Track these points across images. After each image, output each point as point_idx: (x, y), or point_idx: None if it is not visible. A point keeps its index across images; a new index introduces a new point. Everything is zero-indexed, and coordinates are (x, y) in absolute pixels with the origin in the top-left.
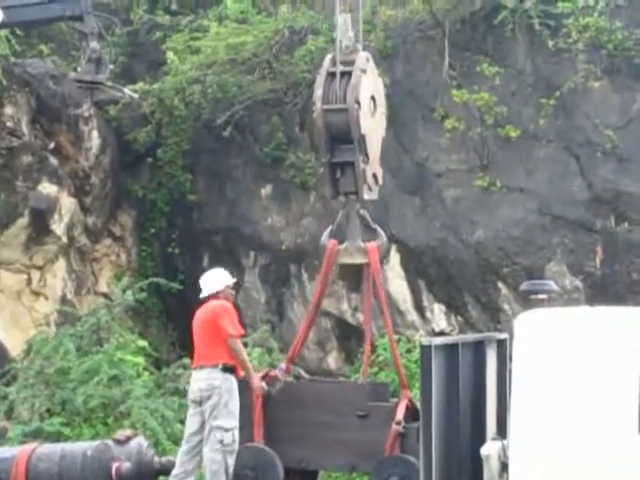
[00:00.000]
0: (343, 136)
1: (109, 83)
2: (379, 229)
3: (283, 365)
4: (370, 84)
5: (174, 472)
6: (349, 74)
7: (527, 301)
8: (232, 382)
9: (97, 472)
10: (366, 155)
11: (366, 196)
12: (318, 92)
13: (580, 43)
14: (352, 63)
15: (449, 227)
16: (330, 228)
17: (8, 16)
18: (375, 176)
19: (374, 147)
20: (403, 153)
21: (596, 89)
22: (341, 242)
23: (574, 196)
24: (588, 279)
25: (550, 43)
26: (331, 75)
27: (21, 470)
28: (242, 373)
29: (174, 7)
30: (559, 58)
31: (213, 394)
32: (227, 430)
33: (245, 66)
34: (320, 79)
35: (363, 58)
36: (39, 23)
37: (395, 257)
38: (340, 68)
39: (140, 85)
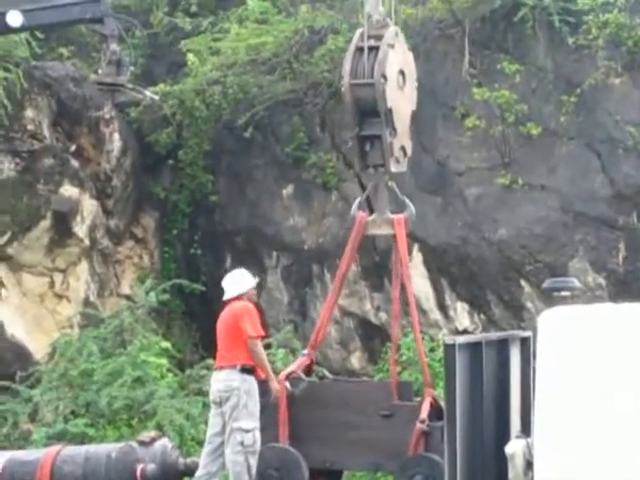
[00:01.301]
0: (371, 110)
1: (130, 85)
2: (407, 201)
3: (305, 351)
4: (399, 58)
5: (198, 474)
6: (377, 49)
7: (550, 298)
8: (251, 383)
9: (122, 474)
10: (394, 128)
11: (393, 169)
12: (346, 67)
13: (600, 39)
14: (380, 38)
15: (471, 225)
16: (359, 200)
17: (28, 19)
18: (403, 149)
19: (402, 120)
20: (424, 152)
21: (617, 85)
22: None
23: (596, 193)
24: (611, 276)
25: (570, 40)
26: (360, 50)
27: (46, 473)
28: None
29: (194, 9)
30: (579, 55)
31: (232, 395)
32: (247, 431)
33: (265, 66)
34: (349, 54)
35: (392, 32)
36: (59, 26)
37: (417, 256)
38: (368, 43)
39: (160, 87)
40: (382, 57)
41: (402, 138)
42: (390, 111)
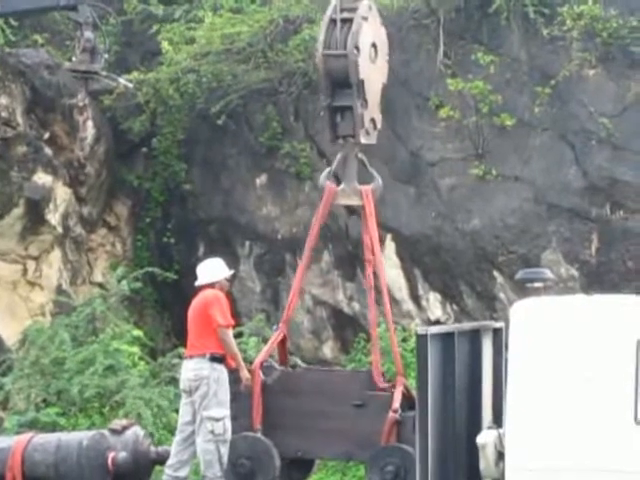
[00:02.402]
0: (343, 81)
1: (104, 73)
2: (375, 173)
3: (276, 326)
4: (372, 31)
5: (169, 462)
6: (350, 21)
7: (523, 289)
8: (221, 371)
9: (93, 462)
10: (364, 100)
11: (363, 140)
12: (320, 38)
13: (575, 31)
14: (354, 10)
15: (444, 216)
16: (328, 169)
17: (2, 6)
18: (373, 121)
19: (373, 93)
20: (397, 142)
21: (591, 77)
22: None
23: (569, 184)
24: (584, 267)
25: (545, 31)
26: (334, 22)
27: (17, 460)
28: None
29: None
30: (554, 46)
31: (201, 384)
32: (218, 420)
33: (240, 56)
34: (323, 25)
35: (365, 6)
36: (33, 13)
37: (390, 246)
38: (342, 15)
39: (135, 75)
40: (355, 29)
41: (372, 110)
42: (362, 83)
